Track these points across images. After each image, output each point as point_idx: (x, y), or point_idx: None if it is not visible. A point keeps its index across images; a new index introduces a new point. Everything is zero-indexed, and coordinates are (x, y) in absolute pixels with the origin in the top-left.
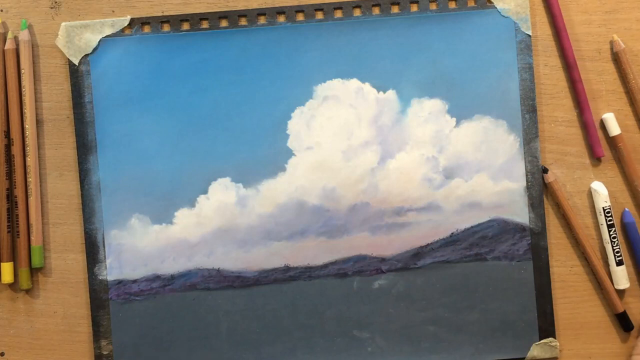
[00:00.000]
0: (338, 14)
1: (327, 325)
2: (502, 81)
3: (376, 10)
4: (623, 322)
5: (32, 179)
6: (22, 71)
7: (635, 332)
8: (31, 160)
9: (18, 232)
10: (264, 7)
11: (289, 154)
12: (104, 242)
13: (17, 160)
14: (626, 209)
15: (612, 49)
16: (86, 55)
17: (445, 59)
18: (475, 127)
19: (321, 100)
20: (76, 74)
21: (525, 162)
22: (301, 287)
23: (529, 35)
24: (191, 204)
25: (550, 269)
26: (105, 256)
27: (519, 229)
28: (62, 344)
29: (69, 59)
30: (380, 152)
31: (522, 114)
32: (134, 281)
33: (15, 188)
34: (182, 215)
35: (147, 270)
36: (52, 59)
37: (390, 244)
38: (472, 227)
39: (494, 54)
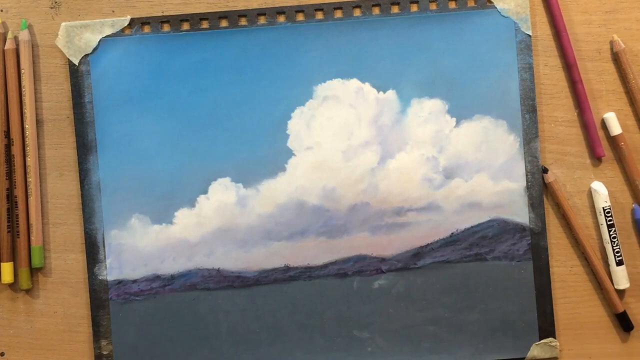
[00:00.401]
0: (338, 14)
1: (327, 325)
2: (502, 81)
3: (376, 10)
4: (623, 322)
5: (32, 179)
6: (22, 71)
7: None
8: (31, 160)
9: (18, 232)
10: (264, 7)
11: (289, 154)
12: (104, 242)
13: (17, 160)
14: (635, 205)
15: (612, 49)
16: (86, 55)
17: (445, 59)
18: (475, 127)
19: (321, 100)
20: (76, 74)
21: (525, 162)
22: (301, 287)
23: (529, 35)
24: (191, 204)
25: (550, 269)
26: (105, 256)
27: (519, 229)
28: (62, 344)
29: (69, 59)
30: (380, 152)
31: (522, 114)
32: (134, 281)
33: (15, 188)
34: (182, 215)
35: (147, 270)
36: (52, 59)
37: (390, 244)
38: (472, 227)
39: (494, 54)
